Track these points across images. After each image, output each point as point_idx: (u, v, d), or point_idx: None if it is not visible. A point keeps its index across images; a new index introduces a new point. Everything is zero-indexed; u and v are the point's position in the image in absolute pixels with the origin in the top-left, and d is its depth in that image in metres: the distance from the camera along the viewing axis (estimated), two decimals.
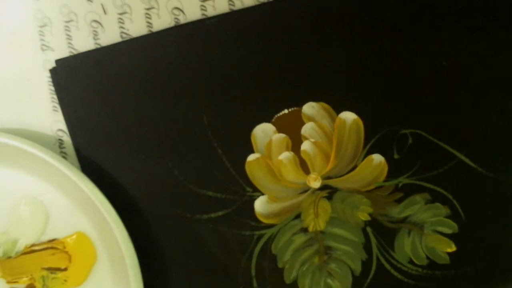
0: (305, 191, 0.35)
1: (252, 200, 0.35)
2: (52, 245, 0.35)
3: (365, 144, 0.34)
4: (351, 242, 0.35)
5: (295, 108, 0.34)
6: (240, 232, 0.35)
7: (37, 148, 0.33)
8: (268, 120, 0.35)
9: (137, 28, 0.35)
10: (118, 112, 0.35)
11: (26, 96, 0.36)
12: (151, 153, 0.35)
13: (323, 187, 0.35)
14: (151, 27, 0.35)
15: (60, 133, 0.36)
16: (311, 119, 0.34)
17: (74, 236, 0.35)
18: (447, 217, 0.34)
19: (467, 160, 0.34)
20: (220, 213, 0.35)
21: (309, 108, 0.34)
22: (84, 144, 0.35)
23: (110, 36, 0.35)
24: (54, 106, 0.36)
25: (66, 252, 0.35)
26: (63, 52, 0.36)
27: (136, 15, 0.35)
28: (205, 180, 0.35)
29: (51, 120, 0.36)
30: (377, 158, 0.34)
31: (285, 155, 0.35)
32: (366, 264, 0.34)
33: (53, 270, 0.35)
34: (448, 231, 0.34)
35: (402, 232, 0.34)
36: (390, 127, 0.34)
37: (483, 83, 0.34)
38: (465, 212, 0.34)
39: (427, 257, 0.34)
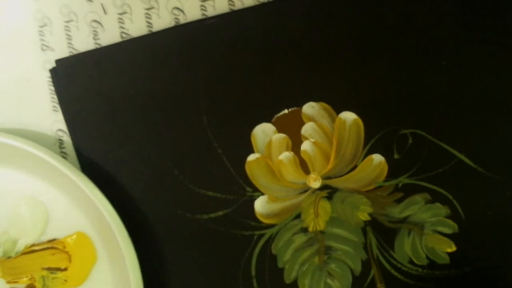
0: (305, 191, 0.35)
1: (252, 200, 0.35)
2: (52, 245, 0.35)
3: (365, 144, 0.34)
4: (351, 242, 0.35)
5: (295, 108, 0.34)
6: (240, 232, 0.35)
7: (37, 148, 0.33)
8: (268, 120, 0.35)
9: (137, 28, 0.35)
10: (118, 112, 0.35)
11: (26, 96, 0.36)
12: (151, 153, 0.35)
13: (323, 187, 0.35)
14: (151, 27, 0.35)
15: (60, 133, 0.36)
16: (311, 119, 0.34)
17: (74, 236, 0.35)
18: (447, 217, 0.34)
19: (467, 160, 0.34)
20: (220, 213, 0.35)
21: (309, 108, 0.34)
22: (84, 144, 0.35)
23: (110, 36, 0.36)
24: (54, 106, 0.36)
25: (66, 252, 0.35)
26: (63, 52, 0.36)
27: (136, 15, 0.35)
28: (205, 180, 0.35)
29: (51, 120, 0.36)
30: (377, 158, 0.34)
31: (285, 155, 0.35)
32: (366, 264, 0.34)
33: (53, 270, 0.35)
34: (448, 231, 0.34)
35: (402, 232, 0.34)
36: (390, 127, 0.34)
37: (483, 83, 0.34)
38: (465, 212, 0.34)
39: (427, 257, 0.34)
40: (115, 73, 0.35)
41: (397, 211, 0.34)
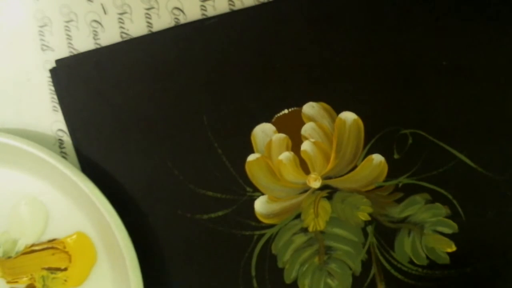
0: (305, 191, 0.35)
1: (252, 200, 0.35)
2: (52, 245, 0.35)
3: (365, 144, 0.34)
4: (351, 242, 0.35)
5: (295, 108, 0.34)
6: (240, 232, 0.35)
7: (37, 148, 0.33)
8: (268, 120, 0.35)
9: (137, 28, 0.35)
10: (118, 112, 0.35)
11: (26, 96, 0.36)
12: (151, 153, 0.35)
13: (323, 187, 0.35)
14: (151, 27, 0.35)
15: (60, 133, 0.36)
16: (311, 119, 0.34)
17: (74, 236, 0.35)
18: (447, 217, 0.34)
19: (467, 160, 0.34)
20: (220, 213, 0.35)
21: (309, 108, 0.34)
22: (84, 144, 0.35)
23: (110, 36, 0.35)
24: (54, 106, 0.36)
25: (66, 252, 0.35)
26: (63, 52, 0.36)
27: (136, 15, 0.35)
28: (205, 180, 0.35)
29: (51, 120, 0.36)
30: (377, 158, 0.34)
31: (285, 155, 0.35)
32: (366, 264, 0.34)
33: (53, 270, 0.35)
34: (448, 231, 0.34)
35: (402, 232, 0.34)
36: (390, 127, 0.34)
37: (483, 83, 0.34)
38: (465, 212, 0.34)
39: (427, 257, 0.34)
40: (115, 73, 0.35)
41: (397, 211, 0.34)
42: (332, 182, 0.35)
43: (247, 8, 0.35)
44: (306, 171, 0.35)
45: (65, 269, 0.35)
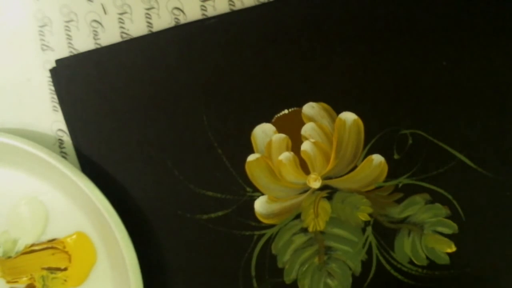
0: (305, 191, 0.35)
1: (252, 200, 0.35)
2: (52, 245, 0.35)
3: (365, 144, 0.34)
4: (351, 242, 0.35)
5: (295, 108, 0.34)
6: (240, 232, 0.35)
7: (37, 148, 0.33)
8: (268, 120, 0.35)
9: (137, 28, 0.35)
10: (118, 112, 0.35)
11: (26, 96, 0.36)
12: (151, 153, 0.35)
13: (323, 187, 0.35)
14: (151, 27, 0.35)
15: (60, 133, 0.36)
16: (311, 119, 0.34)
17: (74, 236, 0.35)
18: (447, 217, 0.34)
19: (467, 160, 0.34)
20: (220, 213, 0.35)
21: (309, 108, 0.34)
22: (84, 144, 0.35)
23: (110, 36, 0.35)
24: (54, 106, 0.36)
25: (66, 252, 0.35)
26: (63, 52, 0.36)
27: (136, 15, 0.35)
28: (205, 180, 0.35)
29: (51, 120, 0.36)
30: (377, 158, 0.34)
31: (285, 155, 0.35)
32: (366, 264, 0.34)
33: (53, 270, 0.35)
34: (448, 231, 0.34)
35: (402, 232, 0.34)
36: (390, 127, 0.34)
37: (483, 83, 0.34)
38: (465, 212, 0.34)
39: (427, 258, 0.34)
40: (115, 73, 0.35)
41: (397, 212, 0.34)
42: (332, 182, 0.35)
43: (247, 8, 0.35)
44: (306, 171, 0.35)
45: (65, 269, 0.35)
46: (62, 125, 0.36)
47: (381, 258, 0.34)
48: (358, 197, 0.34)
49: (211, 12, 0.35)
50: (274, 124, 0.35)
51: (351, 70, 0.34)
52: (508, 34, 0.34)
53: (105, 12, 0.35)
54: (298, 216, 0.35)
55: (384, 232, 0.34)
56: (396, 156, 0.34)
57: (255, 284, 0.35)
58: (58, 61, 0.35)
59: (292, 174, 0.35)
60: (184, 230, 0.35)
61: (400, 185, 0.34)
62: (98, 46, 0.35)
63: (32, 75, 0.36)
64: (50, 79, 0.36)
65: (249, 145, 0.35)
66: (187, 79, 0.35)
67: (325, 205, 0.35)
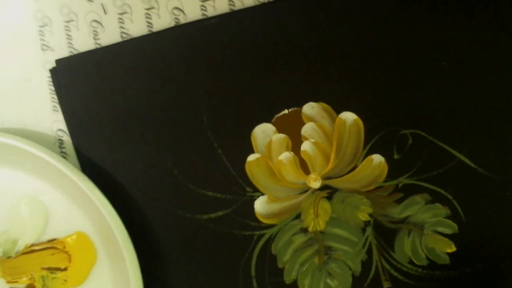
0: (305, 191, 0.35)
1: (252, 200, 0.35)
2: (52, 245, 0.35)
3: (365, 144, 0.34)
4: (351, 242, 0.35)
5: (295, 108, 0.34)
6: (240, 232, 0.35)
7: (37, 148, 0.33)
8: (268, 120, 0.35)
9: (137, 28, 0.35)
10: (118, 112, 0.35)
11: (26, 96, 0.36)
12: (151, 153, 0.35)
13: (323, 187, 0.35)
14: (151, 27, 0.35)
15: (60, 133, 0.36)
16: (311, 119, 0.34)
17: (74, 236, 0.35)
18: (447, 217, 0.34)
19: (467, 160, 0.34)
20: (220, 213, 0.35)
21: (309, 108, 0.34)
22: (84, 144, 0.35)
23: (110, 36, 0.35)
24: (54, 106, 0.36)
25: (66, 252, 0.35)
26: (63, 52, 0.36)
27: (136, 15, 0.35)
28: (205, 180, 0.35)
29: (51, 120, 0.36)
30: (377, 158, 0.34)
31: (285, 155, 0.35)
32: (366, 264, 0.34)
33: (53, 270, 0.35)
34: (448, 231, 0.34)
35: (402, 232, 0.34)
36: (390, 127, 0.34)
37: (483, 83, 0.34)
38: (465, 212, 0.34)
39: (427, 258, 0.34)
40: (115, 73, 0.35)
41: (397, 212, 0.34)
42: (332, 182, 0.35)
43: (247, 8, 0.35)
44: (306, 171, 0.35)
45: (65, 269, 0.35)
46: (62, 125, 0.36)
47: (381, 258, 0.34)
48: (358, 197, 0.34)
49: (211, 12, 0.35)
50: (274, 124, 0.35)
51: (351, 70, 0.34)
52: (508, 34, 0.34)
53: (105, 12, 0.35)
54: (298, 216, 0.35)
55: (384, 232, 0.34)
56: (396, 156, 0.34)
57: (255, 284, 0.35)
58: (58, 61, 0.35)
59: (292, 174, 0.35)
60: (184, 230, 0.35)
61: (400, 185, 0.34)
62: (98, 46, 0.35)
63: (32, 75, 0.36)
64: (50, 79, 0.36)
65: (249, 145, 0.35)
66: (187, 79, 0.35)
67: (325, 205, 0.35)
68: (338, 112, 0.34)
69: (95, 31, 0.36)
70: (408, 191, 0.34)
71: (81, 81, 0.35)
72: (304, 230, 0.35)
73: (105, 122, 0.35)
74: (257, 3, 0.35)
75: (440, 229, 0.34)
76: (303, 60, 0.34)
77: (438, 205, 0.34)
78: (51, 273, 0.35)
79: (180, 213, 0.35)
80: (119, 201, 0.34)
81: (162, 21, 0.35)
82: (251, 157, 0.35)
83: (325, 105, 0.34)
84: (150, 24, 0.35)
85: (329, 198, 0.35)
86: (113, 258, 0.34)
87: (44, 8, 0.36)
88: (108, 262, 0.35)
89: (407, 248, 0.34)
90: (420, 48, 0.34)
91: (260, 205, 0.35)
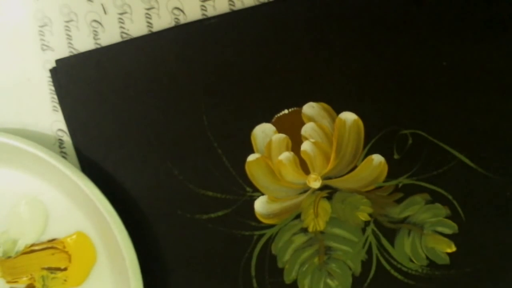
0: (305, 191, 0.35)
1: (252, 200, 0.35)
2: (52, 245, 0.35)
3: (365, 144, 0.34)
4: (351, 242, 0.35)
5: (295, 108, 0.34)
6: (240, 232, 0.35)
7: (37, 148, 0.33)
8: (268, 120, 0.35)
9: (137, 28, 0.35)
10: (118, 112, 0.35)
11: (26, 96, 0.36)
12: (151, 153, 0.35)
13: (323, 187, 0.35)
14: (151, 27, 0.35)
15: (60, 133, 0.36)
16: (311, 119, 0.34)
17: (74, 236, 0.35)
18: (447, 217, 0.34)
19: (467, 160, 0.34)
20: (220, 213, 0.35)
21: (309, 108, 0.34)
22: (84, 144, 0.35)
23: (110, 36, 0.35)
24: (54, 106, 0.36)
25: (66, 252, 0.35)
26: (63, 52, 0.36)
27: (136, 15, 0.35)
28: (205, 180, 0.35)
29: (51, 120, 0.36)
30: (377, 158, 0.34)
31: (285, 155, 0.35)
32: (366, 264, 0.34)
33: (53, 270, 0.35)
34: (448, 231, 0.34)
35: (402, 232, 0.34)
36: (390, 127, 0.34)
37: (483, 83, 0.34)
38: (465, 212, 0.34)
39: (427, 258, 0.34)
40: (115, 73, 0.35)
41: (397, 212, 0.34)
42: (332, 182, 0.35)
43: (247, 8, 0.35)
44: (306, 171, 0.35)
45: (65, 269, 0.35)
46: (62, 125, 0.36)
47: (381, 258, 0.34)
48: (358, 197, 0.34)
49: (211, 12, 0.35)
50: (274, 124, 0.35)
51: (351, 70, 0.34)
52: (508, 34, 0.34)
53: (105, 12, 0.35)
54: (298, 216, 0.35)
55: (384, 232, 0.34)
56: (396, 156, 0.34)
57: (255, 284, 0.35)
58: (58, 61, 0.35)
59: (292, 174, 0.35)
60: (184, 230, 0.35)
61: (400, 185, 0.34)
62: (98, 46, 0.35)
63: (32, 75, 0.36)
64: (50, 79, 0.36)
65: (249, 145, 0.35)
66: (187, 79, 0.35)
67: (325, 205, 0.35)
68: (338, 112, 0.34)
69: (95, 31, 0.36)
70: (408, 191, 0.34)
71: (81, 81, 0.35)
72: (304, 230, 0.35)
73: (105, 122, 0.35)
74: (257, 3, 0.35)
75: (440, 229, 0.34)
76: (303, 60, 0.34)
77: (438, 205, 0.34)
78: (51, 273, 0.35)
79: (180, 213, 0.35)
80: (119, 201, 0.34)
81: (162, 21, 0.35)
82: (251, 157, 0.35)
83: (325, 105, 0.34)
84: (150, 24, 0.35)
85: (329, 198, 0.35)
86: (113, 258, 0.34)
87: (44, 8, 0.36)
88: (108, 262, 0.35)
89: (407, 248, 0.34)
90: (420, 48, 0.34)
91: (260, 205, 0.35)
